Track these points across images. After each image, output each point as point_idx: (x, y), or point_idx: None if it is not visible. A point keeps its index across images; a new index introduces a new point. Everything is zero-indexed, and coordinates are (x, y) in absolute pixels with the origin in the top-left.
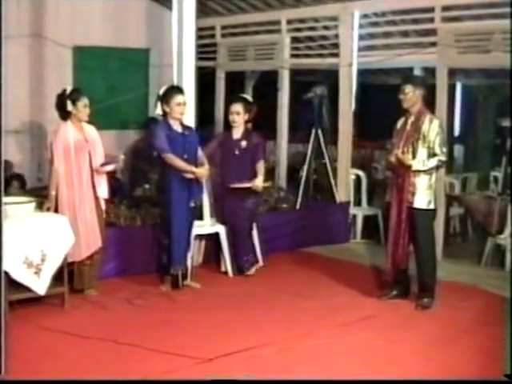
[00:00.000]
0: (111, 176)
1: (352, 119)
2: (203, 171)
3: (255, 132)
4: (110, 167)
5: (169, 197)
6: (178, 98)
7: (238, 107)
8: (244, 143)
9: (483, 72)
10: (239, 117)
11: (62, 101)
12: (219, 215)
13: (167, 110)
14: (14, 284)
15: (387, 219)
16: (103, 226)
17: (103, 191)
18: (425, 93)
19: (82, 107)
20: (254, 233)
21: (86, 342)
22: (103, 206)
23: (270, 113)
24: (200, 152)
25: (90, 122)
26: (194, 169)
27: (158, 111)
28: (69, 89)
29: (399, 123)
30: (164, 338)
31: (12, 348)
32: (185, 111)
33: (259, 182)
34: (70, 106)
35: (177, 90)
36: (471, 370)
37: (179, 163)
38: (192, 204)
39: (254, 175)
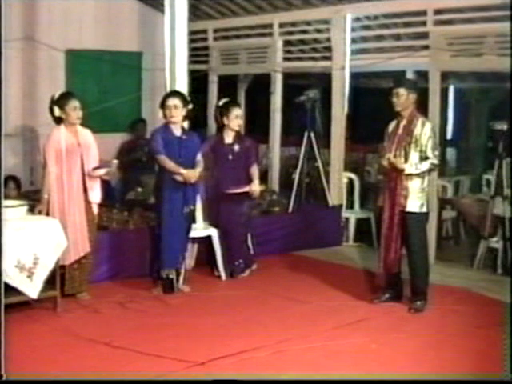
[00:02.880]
0: (104, 180)
1: (345, 122)
2: (191, 174)
3: (246, 136)
4: (102, 171)
5: (161, 201)
6: (168, 102)
7: (240, 111)
8: (237, 147)
9: (476, 75)
10: (241, 121)
11: (50, 107)
12: (213, 220)
13: (164, 113)
14: (6, 288)
15: (380, 223)
16: (95, 230)
17: (96, 196)
18: (417, 96)
19: (71, 111)
20: (249, 236)
21: (78, 345)
22: (95, 210)
23: (262, 116)
24: (199, 157)
25: (82, 125)
26: (181, 170)
27: (161, 115)
28: (57, 94)
29: (391, 126)
30: (156, 342)
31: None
32: (176, 114)
33: (256, 187)
34: (57, 112)
35: (171, 93)
36: (463, 372)
37: (169, 164)
38: (186, 209)
39: (248, 179)
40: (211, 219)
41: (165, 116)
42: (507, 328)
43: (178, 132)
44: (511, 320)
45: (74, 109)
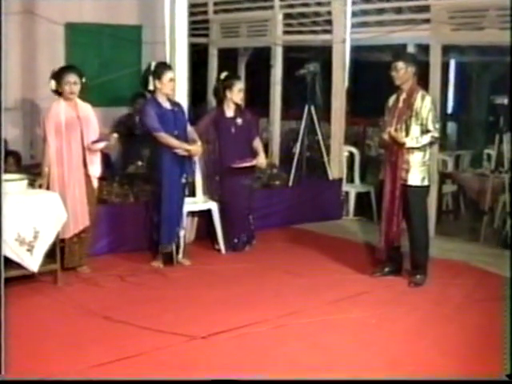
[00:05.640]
0: (104, 154)
1: (345, 96)
2: (197, 148)
3: (246, 109)
4: (101, 145)
5: (160, 174)
6: (170, 74)
7: (242, 85)
8: (239, 121)
9: (477, 49)
10: (242, 94)
11: (49, 80)
12: (216, 194)
13: (158, 86)
14: (6, 261)
15: (381, 197)
16: (95, 203)
17: (96, 169)
18: (416, 70)
19: (65, 85)
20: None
21: (78, 318)
22: (95, 183)
23: (262, 89)
24: (189, 128)
25: (82, 98)
26: (188, 146)
27: (150, 87)
28: (57, 68)
29: (391, 100)
30: (156, 315)
31: (6, 326)
32: (174, 87)
33: (263, 160)
34: (53, 85)
35: (167, 65)
36: (463, 346)
37: (173, 141)
38: (183, 180)
39: (252, 153)
40: (213, 193)
41: (155, 88)
42: (507, 303)
43: (168, 105)
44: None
45: (68, 83)
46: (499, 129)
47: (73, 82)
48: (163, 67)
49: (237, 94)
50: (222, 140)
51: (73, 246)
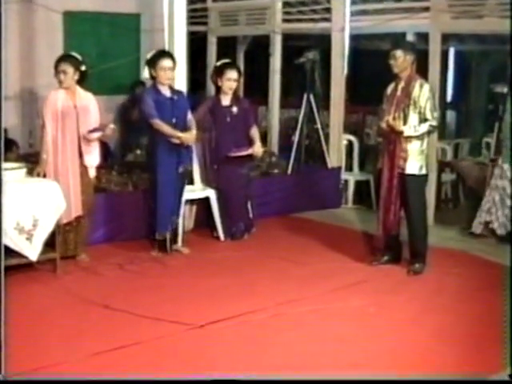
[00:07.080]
0: (103, 143)
1: (344, 84)
2: (189, 136)
3: (244, 97)
4: (96, 135)
5: (155, 162)
6: (164, 63)
7: (235, 74)
8: (235, 109)
9: (476, 37)
10: (236, 84)
11: None
12: (213, 182)
13: (154, 74)
14: (5, 250)
15: (379, 185)
16: (91, 193)
17: (93, 159)
18: (415, 58)
19: (57, 74)
20: (248, 200)
21: (77, 307)
22: (93, 173)
23: (261, 78)
24: (190, 116)
25: (82, 87)
26: (179, 134)
27: (146, 75)
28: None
29: (389, 89)
30: (155, 304)
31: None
32: (172, 76)
33: (259, 148)
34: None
35: (164, 54)
36: (462, 334)
37: (165, 129)
38: (181, 169)
39: (249, 141)
40: (211, 182)
41: (153, 77)
42: (507, 293)
43: (167, 92)
44: (511, 285)
45: (58, 72)
46: (498, 117)
47: (61, 70)
48: (159, 56)
49: (226, 82)
50: (217, 128)
51: (67, 235)
